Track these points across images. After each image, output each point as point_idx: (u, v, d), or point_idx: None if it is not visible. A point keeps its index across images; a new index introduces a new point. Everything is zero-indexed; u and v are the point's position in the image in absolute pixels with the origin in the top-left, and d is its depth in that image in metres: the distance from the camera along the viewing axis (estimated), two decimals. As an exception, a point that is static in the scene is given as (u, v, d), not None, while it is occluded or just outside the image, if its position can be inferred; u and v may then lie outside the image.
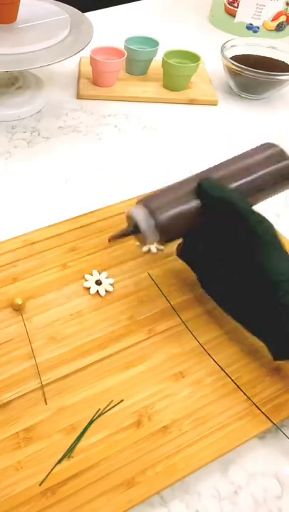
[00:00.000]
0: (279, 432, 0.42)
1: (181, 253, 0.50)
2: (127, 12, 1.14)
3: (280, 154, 0.47)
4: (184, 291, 0.51)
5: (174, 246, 0.56)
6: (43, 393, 0.42)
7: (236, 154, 0.48)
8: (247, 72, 0.81)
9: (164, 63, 0.82)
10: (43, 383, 0.43)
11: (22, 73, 0.81)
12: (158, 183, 0.65)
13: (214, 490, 0.39)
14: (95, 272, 0.52)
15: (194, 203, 0.44)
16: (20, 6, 0.73)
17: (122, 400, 0.42)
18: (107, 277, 0.52)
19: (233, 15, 1.05)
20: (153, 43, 0.86)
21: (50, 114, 0.79)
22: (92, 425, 0.40)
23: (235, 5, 1.03)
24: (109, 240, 0.49)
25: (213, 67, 0.91)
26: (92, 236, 0.57)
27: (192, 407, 0.42)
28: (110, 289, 0.51)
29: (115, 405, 0.42)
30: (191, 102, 0.84)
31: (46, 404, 0.42)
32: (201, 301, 0.50)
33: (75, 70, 0.90)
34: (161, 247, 0.56)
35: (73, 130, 0.76)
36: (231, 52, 0.86)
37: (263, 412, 0.41)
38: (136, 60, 0.85)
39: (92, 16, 0.87)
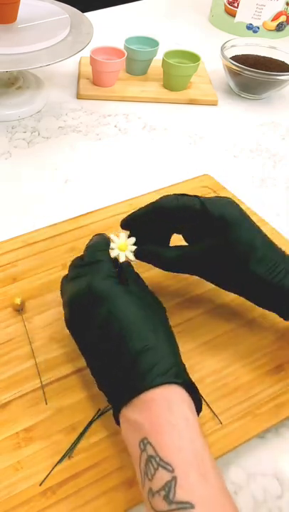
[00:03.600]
0: (279, 431, 0.42)
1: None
2: (127, 12, 1.14)
3: None
4: (182, 292, 0.51)
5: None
6: (44, 393, 0.42)
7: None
8: (247, 72, 0.81)
9: (164, 63, 0.82)
10: (43, 383, 0.43)
11: (22, 73, 0.81)
12: (158, 183, 0.65)
13: (214, 490, 0.39)
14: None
15: None
16: (20, 6, 0.73)
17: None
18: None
19: (233, 15, 1.05)
20: (153, 43, 0.86)
21: (50, 114, 0.79)
22: (92, 425, 0.40)
23: (235, 5, 1.03)
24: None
25: (213, 67, 0.91)
26: (92, 236, 0.56)
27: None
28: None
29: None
30: (191, 102, 0.84)
31: (47, 404, 0.42)
32: (200, 302, 0.50)
33: (75, 70, 0.90)
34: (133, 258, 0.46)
35: (73, 130, 0.76)
36: (231, 52, 0.86)
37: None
38: (136, 60, 0.85)
39: (92, 15, 0.87)
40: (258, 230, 0.43)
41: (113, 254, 0.43)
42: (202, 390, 0.43)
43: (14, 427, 0.40)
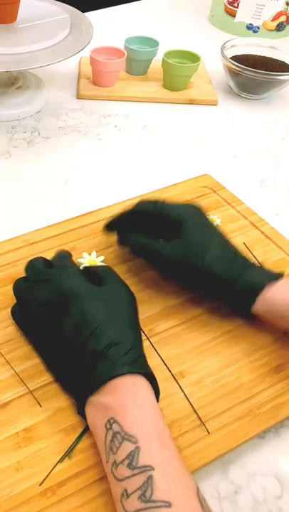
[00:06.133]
0: (279, 431, 0.42)
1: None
2: (127, 12, 1.14)
3: None
4: (182, 292, 0.51)
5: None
6: (34, 397, 0.42)
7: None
8: (247, 72, 0.81)
9: (164, 63, 0.82)
10: (44, 383, 0.43)
11: (22, 73, 0.81)
12: (158, 183, 0.66)
13: (214, 490, 0.39)
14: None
15: None
16: (20, 6, 0.73)
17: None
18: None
19: (233, 15, 1.05)
20: (153, 43, 0.86)
21: (50, 114, 0.79)
22: (92, 425, 0.40)
23: (235, 5, 1.03)
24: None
25: (213, 67, 0.91)
26: (92, 236, 0.57)
27: (192, 407, 0.42)
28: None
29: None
30: (191, 102, 0.84)
31: (41, 406, 0.41)
32: (199, 302, 0.50)
33: (75, 70, 0.90)
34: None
35: (73, 130, 0.76)
36: (231, 52, 0.86)
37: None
38: (136, 60, 0.85)
39: (92, 16, 0.87)
40: (214, 234, 0.48)
41: (81, 267, 0.49)
42: (202, 390, 0.43)
43: (14, 427, 0.40)
